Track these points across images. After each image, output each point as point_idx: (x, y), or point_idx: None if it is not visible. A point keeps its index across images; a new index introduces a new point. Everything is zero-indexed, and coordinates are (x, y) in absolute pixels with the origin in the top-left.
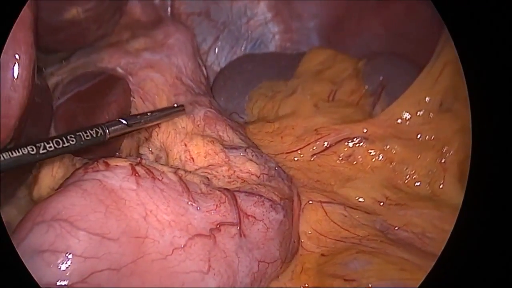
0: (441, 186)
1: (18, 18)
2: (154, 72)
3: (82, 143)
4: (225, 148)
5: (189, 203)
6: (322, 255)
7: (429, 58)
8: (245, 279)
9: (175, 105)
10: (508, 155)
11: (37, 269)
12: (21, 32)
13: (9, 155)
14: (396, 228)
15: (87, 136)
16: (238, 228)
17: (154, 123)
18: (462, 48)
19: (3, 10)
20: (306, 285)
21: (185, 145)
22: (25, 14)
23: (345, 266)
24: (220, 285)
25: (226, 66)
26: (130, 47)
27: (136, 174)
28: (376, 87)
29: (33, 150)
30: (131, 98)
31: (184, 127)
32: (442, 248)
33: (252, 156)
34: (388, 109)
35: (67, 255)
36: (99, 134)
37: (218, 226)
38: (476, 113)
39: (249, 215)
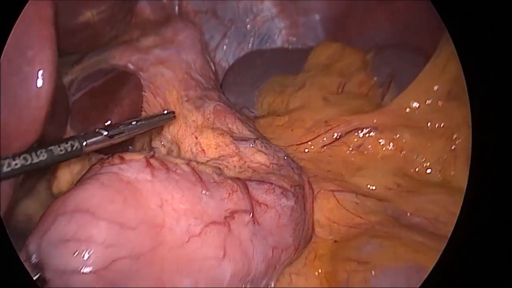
0: (452, 173)
1: (40, 16)
2: (164, 68)
3: (55, 158)
4: (235, 140)
5: (203, 192)
6: (335, 241)
7: (435, 48)
8: (260, 265)
9: (165, 112)
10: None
11: (61, 258)
12: (45, 29)
13: None
14: (409, 214)
15: (61, 150)
16: (251, 215)
17: (140, 132)
18: (460, 42)
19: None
20: (320, 271)
21: (196, 137)
22: (47, 12)
23: (358, 250)
24: (236, 272)
25: (235, 62)
26: (141, 45)
27: (151, 166)
28: (385, 78)
29: None
30: (143, 93)
31: (194, 121)
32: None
33: (261, 147)
34: (397, 99)
35: (89, 243)
36: (74, 148)
37: (231, 214)
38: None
39: (261, 203)
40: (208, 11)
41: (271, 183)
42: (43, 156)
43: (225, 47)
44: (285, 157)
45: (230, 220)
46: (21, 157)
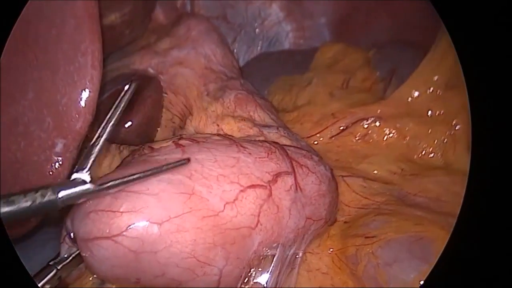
0: (452, 156)
1: (90, 14)
2: (183, 68)
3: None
4: (257, 125)
5: (240, 151)
6: (345, 222)
7: (433, 42)
8: (289, 234)
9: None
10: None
11: (85, 228)
12: (94, 24)
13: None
14: (413, 194)
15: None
16: (294, 178)
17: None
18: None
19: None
20: (331, 250)
21: (218, 125)
22: (95, 10)
23: (366, 227)
24: (264, 240)
25: (245, 64)
26: (158, 48)
27: (181, 146)
28: (386, 73)
29: None
30: (164, 94)
31: (214, 111)
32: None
33: (284, 133)
34: (399, 90)
35: (106, 212)
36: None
37: (275, 177)
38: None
39: (302, 165)
40: (219, 17)
41: (308, 151)
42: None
43: (235, 50)
44: (306, 145)
45: (272, 185)
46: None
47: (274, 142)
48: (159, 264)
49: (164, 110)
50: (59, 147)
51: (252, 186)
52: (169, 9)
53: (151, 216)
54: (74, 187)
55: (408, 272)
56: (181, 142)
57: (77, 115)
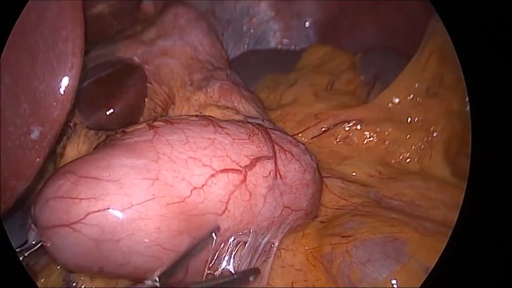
0: (428, 162)
1: (72, 2)
2: (168, 58)
3: None
4: (242, 115)
5: (217, 132)
6: (322, 222)
7: (417, 50)
8: (262, 222)
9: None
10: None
11: (44, 215)
12: (76, 12)
13: None
14: (389, 197)
15: None
16: (274, 164)
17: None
18: (454, 31)
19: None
20: (306, 248)
21: (200, 113)
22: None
23: (342, 226)
24: (230, 227)
25: (231, 61)
26: (145, 37)
27: (154, 127)
28: (371, 77)
29: None
30: (148, 84)
31: (197, 100)
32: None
33: (270, 126)
34: (381, 95)
35: (64, 199)
36: None
37: (254, 161)
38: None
39: (286, 151)
40: (207, 11)
41: (295, 139)
42: None
43: None
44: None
45: (248, 170)
46: None
47: (258, 124)
48: (122, 253)
49: (147, 99)
50: (35, 135)
51: (225, 170)
52: (158, 0)
53: (111, 203)
54: None
55: (381, 271)
56: (155, 123)
57: (55, 103)
